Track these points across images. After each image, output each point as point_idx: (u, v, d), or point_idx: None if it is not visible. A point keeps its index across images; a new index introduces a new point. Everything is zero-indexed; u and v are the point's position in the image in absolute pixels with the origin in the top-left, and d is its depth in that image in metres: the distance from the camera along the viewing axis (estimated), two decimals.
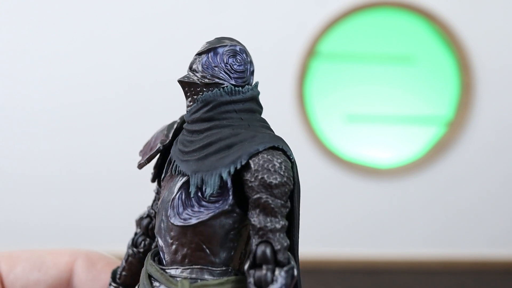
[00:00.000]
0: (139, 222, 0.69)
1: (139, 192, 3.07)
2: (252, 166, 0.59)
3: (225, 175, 0.59)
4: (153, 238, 0.67)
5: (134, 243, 0.68)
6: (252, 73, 0.74)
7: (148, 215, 0.69)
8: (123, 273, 0.64)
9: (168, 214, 0.61)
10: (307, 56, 3.03)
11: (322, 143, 3.08)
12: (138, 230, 0.69)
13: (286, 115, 3.05)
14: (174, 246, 0.59)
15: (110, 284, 0.63)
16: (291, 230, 0.61)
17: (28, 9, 2.96)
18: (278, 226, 0.56)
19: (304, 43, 3.04)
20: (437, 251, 3.21)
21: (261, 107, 0.73)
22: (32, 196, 3.04)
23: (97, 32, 2.99)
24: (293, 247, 0.59)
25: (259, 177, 0.58)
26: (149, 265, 0.57)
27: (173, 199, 0.62)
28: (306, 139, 3.07)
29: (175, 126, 0.73)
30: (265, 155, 0.60)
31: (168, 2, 2.99)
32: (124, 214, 3.09)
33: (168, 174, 0.68)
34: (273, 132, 0.70)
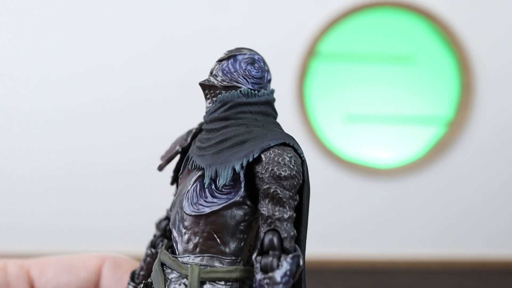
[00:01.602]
0: (158, 225, 0.73)
1: (139, 192, 3.07)
2: (263, 159, 0.63)
3: (237, 167, 0.63)
4: (170, 238, 0.70)
5: (152, 245, 0.71)
6: (269, 81, 0.78)
7: (166, 217, 0.73)
8: (141, 272, 0.68)
9: (183, 205, 0.65)
10: (307, 56, 3.03)
11: (322, 143, 3.08)
12: (157, 233, 0.72)
13: (286, 115, 3.05)
14: (186, 236, 0.62)
15: (128, 284, 0.66)
16: (299, 225, 0.64)
17: (28, 9, 2.96)
18: (285, 215, 0.59)
19: (304, 43, 3.04)
20: (437, 251, 3.21)
21: (276, 112, 0.78)
22: (32, 196, 3.05)
23: (97, 32, 2.99)
24: (299, 243, 0.61)
25: (270, 169, 0.62)
26: (162, 254, 0.60)
27: (188, 191, 0.66)
28: (306, 139, 3.07)
29: (193, 131, 0.79)
30: (276, 150, 0.64)
31: (168, 2, 3.00)
32: (124, 214, 3.10)
33: (185, 170, 0.72)
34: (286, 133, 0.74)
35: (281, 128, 0.75)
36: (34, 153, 3.03)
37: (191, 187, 0.66)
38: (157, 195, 3.27)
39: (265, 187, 0.61)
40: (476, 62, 3.12)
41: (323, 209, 3.14)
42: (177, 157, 0.78)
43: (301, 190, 0.65)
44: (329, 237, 3.17)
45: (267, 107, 0.75)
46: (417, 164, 3.15)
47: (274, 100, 0.77)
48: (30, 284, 0.65)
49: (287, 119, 3.07)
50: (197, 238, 0.62)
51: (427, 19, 3.09)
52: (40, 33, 2.97)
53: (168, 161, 0.80)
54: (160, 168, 0.80)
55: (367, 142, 3.19)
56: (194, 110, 3.29)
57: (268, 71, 0.78)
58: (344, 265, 3.15)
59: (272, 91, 0.77)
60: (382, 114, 3.19)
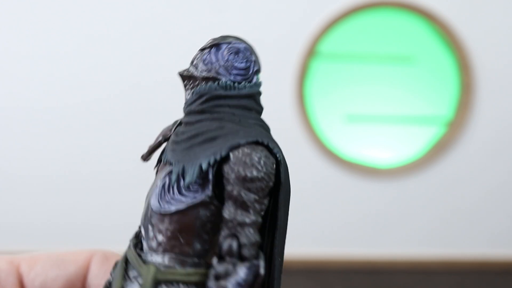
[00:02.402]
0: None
1: (139, 192, 3.07)
2: (231, 158, 0.60)
3: (204, 166, 0.60)
4: None
5: (136, 235, 0.70)
6: (255, 72, 0.73)
7: None
8: None
9: (150, 201, 0.63)
10: (307, 56, 3.03)
11: (322, 143, 3.08)
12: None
13: (286, 115, 3.05)
14: (151, 234, 0.61)
15: (110, 274, 0.65)
16: (273, 232, 0.60)
17: (28, 9, 2.96)
18: (247, 220, 0.56)
19: (304, 43, 3.04)
20: (437, 251, 3.21)
21: (261, 107, 0.73)
22: (32, 196, 3.05)
23: (96, 32, 2.99)
24: (273, 249, 0.58)
25: (236, 169, 0.59)
26: (128, 250, 0.59)
27: (157, 186, 0.64)
28: (306, 139, 3.07)
29: (178, 121, 0.76)
30: (245, 149, 0.60)
31: (168, 2, 3.00)
32: (124, 214, 3.09)
33: (161, 164, 0.71)
34: (268, 131, 0.70)
35: (262, 124, 0.70)
36: (34, 153, 3.03)
37: (160, 183, 0.64)
38: None
39: (229, 188, 0.58)
40: (476, 62, 3.12)
41: (323, 209, 3.14)
42: (162, 148, 0.75)
43: (277, 193, 0.61)
44: (329, 237, 3.17)
45: (249, 101, 0.70)
46: (417, 164, 3.15)
47: (258, 93, 0.72)
48: (19, 279, 0.66)
49: (287, 119, 3.07)
50: (161, 236, 0.60)
51: (427, 19, 3.09)
52: (40, 33, 2.97)
53: (151, 151, 0.78)
54: (143, 158, 0.79)
55: (367, 142, 3.19)
56: None
57: (255, 61, 0.73)
58: (344, 265, 3.15)
59: (257, 84, 0.72)
60: (382, 114, 3.19)
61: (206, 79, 0.70)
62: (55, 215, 3.06)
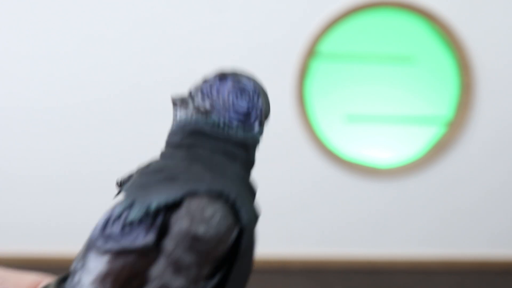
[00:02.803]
0: None
1: None
2: (182, 206, 0.51)
3: (153, 206, 0.52)
4: None
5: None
6: (258, 119, 0.63)
7: None
8: None
9: (92, 232, 0.55)
10: (307, 56, 3.03)
11: (322, 143, 3.08)
12: None
13: (286, 115, 3.05)
14: (80, 270, 0.53)
15: None
16: None
17: (28, 9, 2.96)
18: (173, 285, 0.47)
19: (304, 43, 3.04)
20: (437, 251, 3.21)
21: (252, 159, 0.62)
22: (32, 196, 3.04)
23: (96, 32, 2.99)
24: None
25: (180, 221, 0.50)
26: (55, 281, 0.53)
27: (104, 217, 0.56)
28: (306, 139, 3.08)
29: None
30: (201, 200, 0.51)
31: (168, 2, 3.00)
32: None
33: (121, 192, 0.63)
34: (249, 189, 0.59)
35: (244, 179, 0.59)
36: (34, 153, 3.03)
37: (108, 213, 0.56)
38: None
39: (166, 241, 0.49)
40: (476, 62, 3.12)
41: (323, 209, 3.14)
42: None
43: (230, 265, 0.51)
44: (329, 237, 3.17)
45: (237, 149, 0.59)
46: (417, 164, 3.15)
47: (253, 144, 0.60)
48: None
49: (287, 119, 3.07)
50: (85, 275, 0.51)
51: (427, 19, 3.09)
52: (40, 33, 2.97)
53: (128, 178, 0.67)
54: (117, 183, 0.71)
55: (367, 142, 3.19)
56: None
57: (261, 108, 0.62)
58: (344, 265, 3.15)
59: (254, 133, 0.60)
60: (382, 114, 3.19)
61: (197, 110, 0.62)
62: (55, 215, 3.06)
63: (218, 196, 0.53)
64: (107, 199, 3.06)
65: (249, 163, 0.62)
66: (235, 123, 0.61)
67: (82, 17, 2.98)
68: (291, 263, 3.13)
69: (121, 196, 0.66)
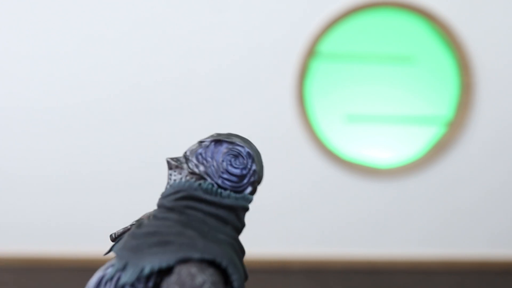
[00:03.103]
0: None
1: (139, 192, 3.07)
2: (174, 272, 0.53)
3: (146, 270, 0.54)
4: None
5: None
6: (251, 183, 0.66)
7: None
8: None
9: None
10: (307, 56, 3.03)
11: (322, 143, 3.08)
12: None
13: (286, 115, 3.05)
14: None
15: None
16: None
17: (28, 9, 2.96)
18: None
19: (304, 43, 3.04)
20: (437, 251, 3.21)
21: (242, 223, 0.65)
22: (32, 196, 3.04)
23: (96, 32, 2.99)
24: None
25: (172, 287, 0.51)
26: None
27: (95, 277, 0.58)
28: (306, 139, 3.07)
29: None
30: (192, 268, 0.53)
31: (168, 2, 2.99)
32: (124, 214, 3.10)
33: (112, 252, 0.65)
34: (239, 253, 0.62)
35: (234, 244, 0.61)
36: (34, 153, 3.03)
37: (101, 273, 0.58)
38: (157, 194, 3.28)
39: None
40: (476, 62, 3.12)
41: (323, 209, 3.14)
42: None
43: None
44: (329, 237, 3.17)
45: (228, 213, 0.61)
46: (417, 164, 3.15)
47: (244, 208, 0.63)
48: None
49: (287, 119, 3.07)
50: None
51: (427, 19, 3.09)
52: (40, 33, 2.97)
53: (121, 234, 0.69)
54: (112, 238, 0.70)
55: (367, 142, 3.19)
56: (193, 110, 3.31)
57: (255, 172, 0.65)
58: (344, 265, 3.15)
59: (246, 198, 0.64)
60: (382, 114, 3.19)
61: (191, 174, 0.65)
62: (55, 215, 3.06)
63: (210, 263, 0.55)
64: (107, 199, 3.06)
65: (239, 227, 0.64)
66: (227, 185, 0.63)
67: (82, 17, 2.98)
68: (291, 263, 3.13)
69: (112, 256, 0.69)
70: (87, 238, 3.07)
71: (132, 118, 3.03)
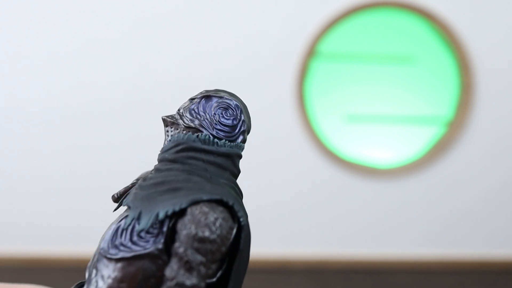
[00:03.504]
0: None
1: None
2: (188, 213, 0.58)
3: (161, 215, 0.58)
4: None
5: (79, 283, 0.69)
6: (242, 133, 0.72)
7: None
8: None
9: (101, 244, 0.62)
10: (307, 56, 3.03)
11: (322, 143, 3.08)
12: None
13: (286, 115, 3.05)
14: (94, 277, 0.58)
15: None
16: None
17: (28, 9, 2.96)
18: (188, 282, 0.53)
19: (304, 43, 3.04)
20: (437, 251, 3.21)
21: (237, 169, 0.71)
22: (32, 196, 3.04)
23: (97, 33, 2.99)
24: None
25: (188, 226, 0.56)
26: None
27: (111, 229, 0.62)
28: (306, 139, 3.07)
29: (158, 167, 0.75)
30: (204, 207, 0.58)
31: (169, 3, 3.00)
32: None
33: (122, 206, 0.69)
34: (239, 195, 0.68)
35: (234, 187, 0.67)
36: (35, 154, 3.03)
37: (114, 226, 0.62)
38: None
39: (176, 245, 0.56)
40: (476, 62, 3.12)
41: (323, 209, 3.14)
42: None
43: (232, 260, 0.58)
44: (329, 237, 3.17)
45: (226, 160, 0.67)
46: (417, 164, 3.15)
47: (238, 155, 0.69)
48: None
49: (287, 119, 3.07)
50: (101, 283, 0.56)
51: (427, 19, 3.09)
52: (40, 33, 2.97)
53: (124, 192, 0.74)
54: (114, 198, 0.76)
55: (367, 142, 3.19)
56: None
57: (244, 121, 0.71)
58: (344, 265, 3.15)
59: (239, 145, 0.70)
60: (382, 114, 3.19)
61: (188, 128, 0.70)
62: (55, 215, 3.06)
63: (219, 202, 0.60)
64: (107, 200, 3.06)
65: (235, 172, 0.70)
66: (221, 135, 0.69)
67: (82, 18, 2.98)
68: (291, 263, 3.13)
69: (123, 209, 0.75)
70: (87, 238, 3.07)
71: (132, 119, 3.03)
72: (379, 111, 3.18)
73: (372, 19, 3.12)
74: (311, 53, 3.04)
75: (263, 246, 3.12)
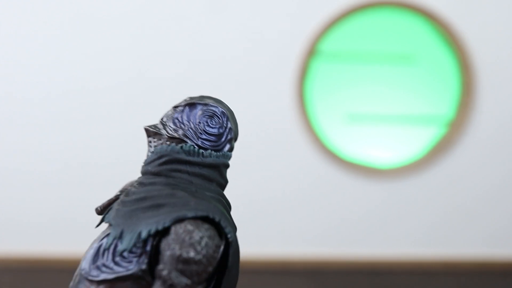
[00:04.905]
0: None
1: None
2: (171, 232, 0.55)
3: (144, 234, 0.55)
4: None
5: None
6: (229, 141, 0.68)
7: None
8: None
9: (82, 265, 0.58)
10: (307, 55, 3.03)
11: (323, 143, 3.08)
12: None
13: (286, 115, 3.05)
14: None
15: None
16: None
17: (26, 9, 2.95)
18: None
19: (305, 43, 3.04)
20: (437, 251, 3.21)
21: (225, 180, 0.68)
22: (32, 196, 3.04)
23: (95, 30, 2.98)
24: None
25: (172, 246, 0.54)
26: None
27: (92, 249, 0.59)
28: (306, 139, 3.07)
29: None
30: (189, 225, 0.55)
31: (168, 1, 2.99)
32: None
33: (104, 222, 0.65)
34: (227, 208, 0.64)
35: (221, 199, 0.64)
36: (35, 153, 3.02)
37: (96, 245, 0.59)
38: None
39: (160, 267, 0.53)
40: (476, 62, 3.12)
41: (323, 209, 3.14)
42: None
43: (220, 279, 0.55)
44: (329, 237, 3.17)
45: (212, 171, 0.64)
46: (418, 164, 3.15)
47: (225, 164, 0.66)
48: None
49: (287, 119, 3.06)
50: None
51: (427, 19, 3.09)
52: (37, 30, 2.97)
53: (107, 205, 0.70)
54: (97, 211, 0.71)
55: (367, 142, 3.19)
56: None
57: (230, 129, 0.67)
58: (344, 265, 3.15)
59: (225, 155, 0.67)
60: (382, 114, 3.18)
61: (171, 139, 0.67)
62: (55, 215, 3.05)
63: (204, 219, 0.57)
64: (106, 197, 3.06)
65: (223, 183, 0.67)
66: (207, 145, 0.66)
67: (81, 14, 2.97)
68: (291, 263, 3.13)
69: (105, 226, 0.70)
70: (87, 238, 3.06)
71: (132, 114, 3.03)
72: (379, 111, 3.18)
73: (372, 19, 3.12)
74: (311, 52, 3.04)
75: (263, 246, 3.12)
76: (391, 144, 3.20)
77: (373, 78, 3.16)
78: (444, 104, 3.19)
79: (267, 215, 3.12)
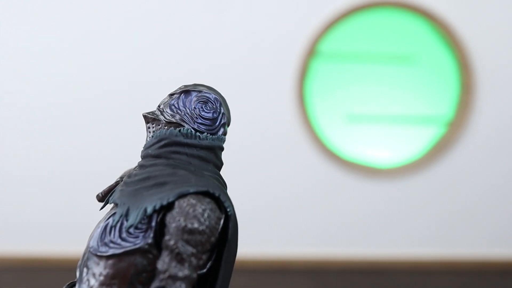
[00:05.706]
0: None
1: None
2: (175, 206, 0.59)
3: (149, 210, 0.59)
4: None
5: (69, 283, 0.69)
6: (222, 125, 0.73)
7: None
8: None
9: (90, 243, 0.62)
10: (307, 55, 3.03)
11: (323, 143, 3.08)
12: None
13: (286, 115, 3.05)
14: (86, 276, 0.59)
15: None
16: (214, 284, 0.57)
17: (26, 6, 2.96)
18: (180, 274, 0.53)
19: (305, 43, 3.04)
20: (437, 251, 3.21)
21: (220, 161, 0.72)
22: (31, 196, 3.04)
23: (95, 32, 2.99)
24: None
25: (177, 219, 0.57)
26: None
27: (99, 227, 0.63)
28: (306, 139, 3.07)
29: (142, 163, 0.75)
30: (191, 199, 0.59)
31: (169, 2, 2.99)
32: None
33: (109, 204, 0.71)
34: (224, 186, 0.68)
35: (218, 179, 0.68)
36: (35, 152, 3.02)
37: (103, 224, 0.63)
38: None
39: (167, 238, 0.57)
40: (476, 62, 3.12)
41: (323, 209, 3.14)
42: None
43: (221, 250, 0.59)
44: (329, 237, 3.17)
45: (208, 153, 0.69)
46: (417, 164, 3.15)
47: (220, 147, 0.70)
48: None
49: (287, 119, 3.07)
50: (93, 280, 0.57)
51: (427, 19, 3.09)
52: (36, 29, 2.97)
53: (108, 191, 0.76)
54: (98, 198, 0.78)
55: (367, 142, 3.19)
56: None
57: (223, 114, 0.73)
58: (344, 265, 3.15)
59: (220, 138, 0.71)
60: (382, 114, 3.19)
61: (169, 124, 0.71)
62: (55, 215, 3.05)
63: (205, 193, 0.61)
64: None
65: (218, 164, 0.71)
66: (202, 128, 0.70)
67: (80, 16, 2.98)
68: (291, 263, 3.13)
69: (109, 207, 0.74)
70: (87, 238, 3.06)
71: (132, 116, 3.03)
72: (379, 111, 3.18)
73: (372, 19, 3.12)
74: (311, 52, 3.04)
75: (263, 246, 3.12)
76: (391, 144, 3.21)
77: (373, 78, 3.16)
78: (444, 104, 3.20)
79: (267, 214, 3.13)
